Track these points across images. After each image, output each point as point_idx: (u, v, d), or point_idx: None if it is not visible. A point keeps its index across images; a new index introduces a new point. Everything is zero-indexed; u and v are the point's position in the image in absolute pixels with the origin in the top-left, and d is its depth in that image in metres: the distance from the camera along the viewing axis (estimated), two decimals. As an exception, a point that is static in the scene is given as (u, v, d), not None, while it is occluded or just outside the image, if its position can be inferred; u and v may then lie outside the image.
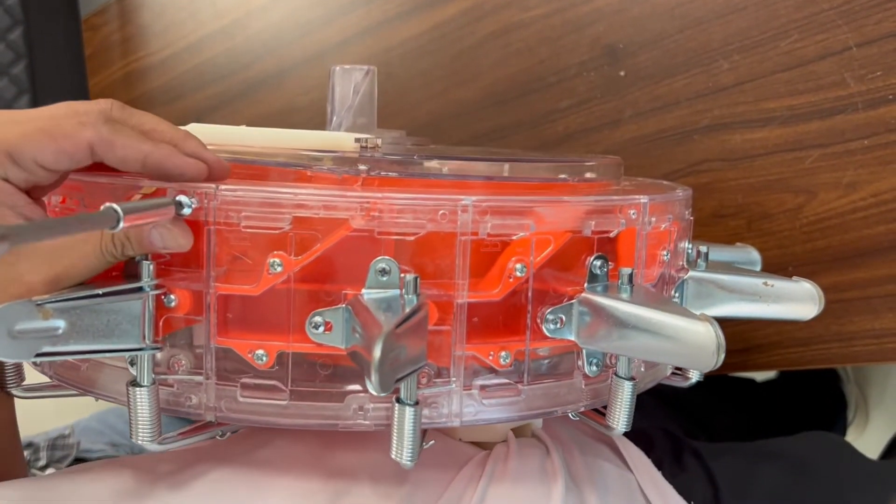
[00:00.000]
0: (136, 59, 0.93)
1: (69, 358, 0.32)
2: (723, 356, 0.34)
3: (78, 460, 0.74)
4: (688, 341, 0.34)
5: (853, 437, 0.98)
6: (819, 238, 0.63)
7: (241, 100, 0.87)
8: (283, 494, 0.37)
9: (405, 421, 0.33)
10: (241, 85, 0.87)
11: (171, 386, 0.35)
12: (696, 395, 0.75)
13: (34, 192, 0.34)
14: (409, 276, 0.33)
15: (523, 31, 0.72)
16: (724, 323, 0.65)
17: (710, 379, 0.81)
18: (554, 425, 0.49)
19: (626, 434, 0.52)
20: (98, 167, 0.34)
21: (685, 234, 0.46)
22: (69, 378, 0.38)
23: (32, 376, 0.41)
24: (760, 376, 0.90)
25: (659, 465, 0.48)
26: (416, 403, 0.33)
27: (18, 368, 0.40)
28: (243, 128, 0.41)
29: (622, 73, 0.69)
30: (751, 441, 0.60)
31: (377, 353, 0.28)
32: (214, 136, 0.40)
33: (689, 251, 0.46)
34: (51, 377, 0.39)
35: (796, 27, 0.61)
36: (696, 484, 0.54)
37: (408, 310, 0.31)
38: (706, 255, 0.46)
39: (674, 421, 0.70)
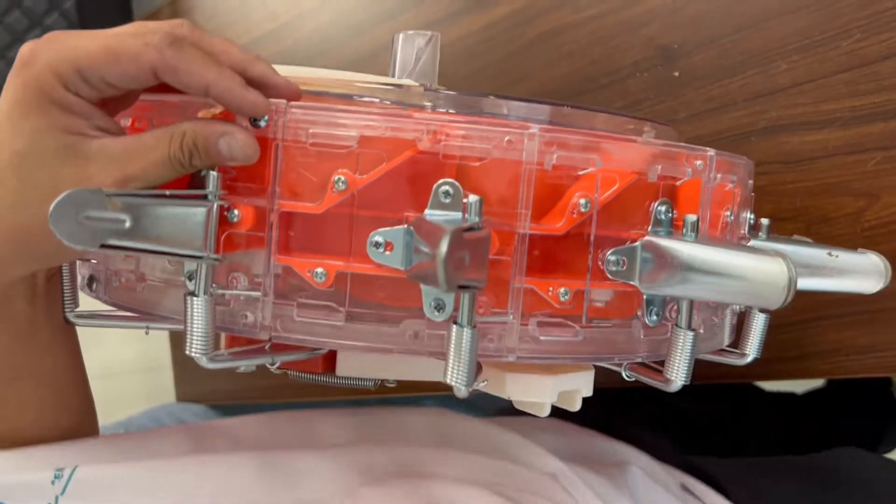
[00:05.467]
0: (184, 59, 0.97)
1: (132, 253, 0.33)
2: (794, 292, 0.34)
3: None
4: (756, 279, 0.34)
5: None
6: (882, 242, 0.63)
7: (287, 99, 0.90)
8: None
9: (462, 342, 0.33)
10: (289, 84, 0.90)
11: (228, 304, 0.36)
12: (734, 416, 0.74)
13: (107, 105, 0.36)
14: (473, 198, 0.34)
15: (575, 33, 0.75)
16: (781, 328, 0.65)
17: (750, 399, 0.79)
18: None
19: None
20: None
21: (747, 204, 0.46)
22: (124, 300, 0.39)
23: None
24: (806, 385, 0.88)
25: None
26: (474, 326, 0.34)
27: (74, 292, 0.41)
28: (312, 68, 0.43)
29: (676, 74, 0.70)
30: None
31: (444, 246, 0.28)
32: (283, 73, 0.42)
33: (751, 222, 0.46)
34: (106, 302, 0.40)
35: (858, 26, 0.62)
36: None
37: (471, 224, 0.32)
38: (767, 227, 0.47)
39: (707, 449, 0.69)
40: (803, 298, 0.64)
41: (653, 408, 0.68)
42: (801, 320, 0.66)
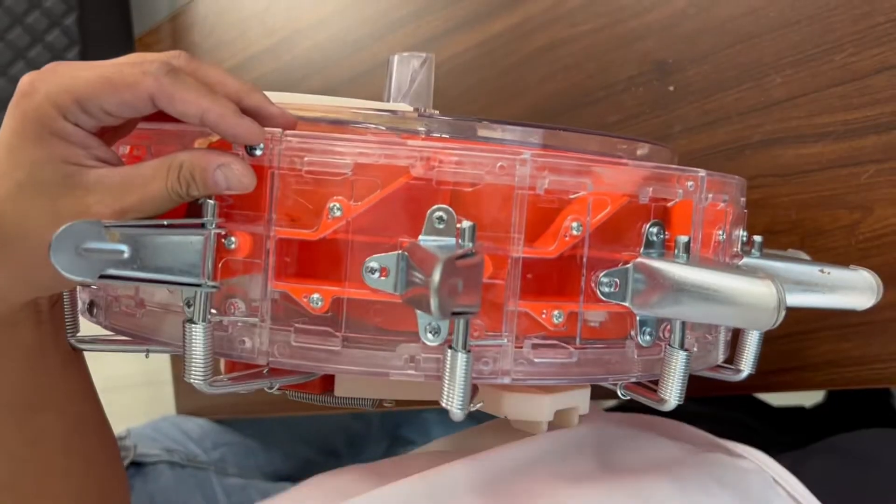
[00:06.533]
0: (184, 75, 0.98)
1: (131, 283, 0.34)
2: (783, 314, 0.34)
3: (134, 464, 0.80)
4: (747, 302, 0.35)
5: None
6: (876, 255, 0.63)
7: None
8: None
9: (457, 367, 0.34)
10: (287, 100, 0.91)
11: (226, 330, 0.37)
12: (749, 429, 0.74)
13: (106, 135, 0.37)
14: (466, 223, 0.34)
15: (571, 47, 0.75)
16: (778, 340, 0.66)
17: (759, 410, 0.80)
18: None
19: None
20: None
21: (740, 222, 0.47)
22: (124, 326, 0.39)
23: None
24: (810, 400, 0.89)
25: None
26: (469, 351, 0.34)
27: (74, 317, 0.42)
28: (305, 95, 0.43)
29: (671, 88, 0.71)
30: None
31: (437, 275, 0.29)
32: (277, 100, 0.43)
33: (744, 239, 0.47)
34: (106, 327, 0.40)
35: (851, 41, 0.63)
36: None
37: (464, 250, 0.33)
38: (760, 244, 0.47)
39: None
40: (799, 311, 0.65)
41: None
42: (798, 332, 0.66)
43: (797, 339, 0.67)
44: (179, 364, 1.16)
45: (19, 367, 0.40)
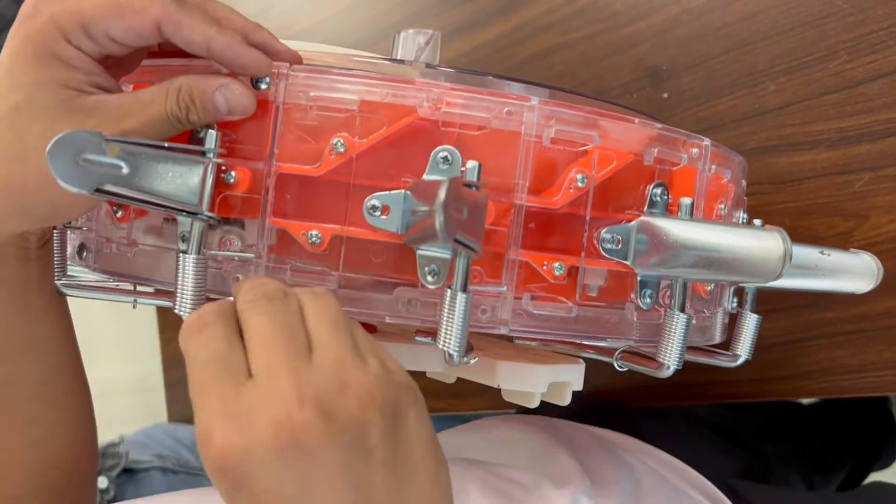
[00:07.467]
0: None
1: (126, 202, 0.33)
2: (789, 264, 0.35)
3: (126, 470, 0.79)
4: (751, 253, 0.35)
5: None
6: (869, 262, 0.64)
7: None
8: None
9: (457, 307, 0.34)
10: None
11: (220, 267, 0.36)
12: (746, 423, 0.74)
13: (111, 66, 0.37)
14: (471, 164, 0.35)
15: (565, 53, 0.77)
16: (771, 348, 0.66)
17: (757, 406, 0.79)
18: None
19: None
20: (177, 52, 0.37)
21: (740, 204, 0.48)
22: (116, 268, 0.39)
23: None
24: (805, 399, 0.89)
25: None
26: (468, 293, 0.34)
27: (63, 260, 0.41)
28: (312, 43, 0.44)
29: (665, 95, 0.72)
30: (803, 467, 0.60)
31: (442, 192, 0.29)
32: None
33: (744, 220, 0.47)
34: (96, 270, 0.40)
35: (845, 48, 0.65)
36: None
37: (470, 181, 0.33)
38: (761, 226, 0.48)
39: (726, 454, 0.69)
40: (795, 318, 0.66)
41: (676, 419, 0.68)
42: (793, 340, 0.66)
43: (791, 347, 0.67)
44: (171, 371, 1.14)
45: (1, 304, 0.39)
